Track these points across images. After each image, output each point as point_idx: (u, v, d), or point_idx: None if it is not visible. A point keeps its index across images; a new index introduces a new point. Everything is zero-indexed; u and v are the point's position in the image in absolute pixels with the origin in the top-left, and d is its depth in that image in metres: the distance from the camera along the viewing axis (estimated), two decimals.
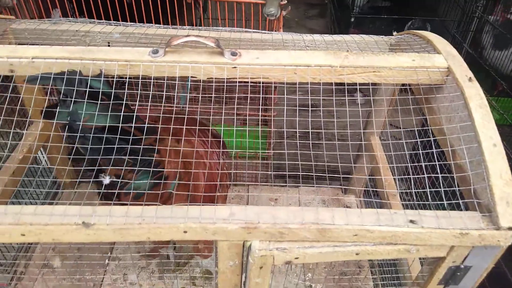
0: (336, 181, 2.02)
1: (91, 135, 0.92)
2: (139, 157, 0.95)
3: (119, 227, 0.78)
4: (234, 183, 1.98)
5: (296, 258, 0.82)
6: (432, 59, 1.00)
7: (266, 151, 2.08)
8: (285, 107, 0.97)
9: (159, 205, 0.80)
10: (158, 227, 0.78)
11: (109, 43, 1.15)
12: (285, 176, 1.23)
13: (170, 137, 1.09)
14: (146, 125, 0.96)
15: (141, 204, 0.80)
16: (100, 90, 0.92)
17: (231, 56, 0.97)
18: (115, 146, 0.91)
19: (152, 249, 1.64)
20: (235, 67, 0.97)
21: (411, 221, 0.81)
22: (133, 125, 0.94)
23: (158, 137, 1.06)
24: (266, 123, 2.21)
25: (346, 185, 1.89)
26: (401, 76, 1.00)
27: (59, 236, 0.78)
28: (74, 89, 0.91)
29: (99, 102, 0.91)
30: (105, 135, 0.92)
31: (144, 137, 0.99)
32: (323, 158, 1.09)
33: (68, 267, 1.57)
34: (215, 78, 0.99)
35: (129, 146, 0.91)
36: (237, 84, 1.00)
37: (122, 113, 0.92)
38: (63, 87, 0.92)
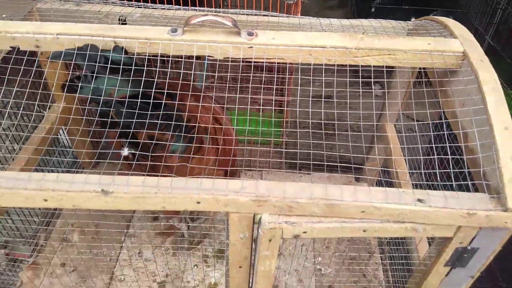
0: (349, 173, 2.03)
1: (126, 101, 0.96)
2: (172, 122, 0.98)
3: (136, 195, 0.81)
4: (248, 168, 2.01)
5: (304, 232, 0.85)
6: (448, 43, 1.00)
7: (280, 138, 2.10)
8: (298, 97, 0.99)
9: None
10: (173, 196, 0.82)
11: (124, 20, 1.19)
12: (297, 165, 1.25)
13: (189, 94, 1.13)
14: (168, 91, 1.00)
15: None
16: (122, 60, 0.95)
17: (248, 36, 0.99)
18: (148, 112, 0.94)
19: (167, 228, 1.69)
20: (251, 46, 0.99)
21: (419, 200, 0.82)
22: (157, 91, 0.97)
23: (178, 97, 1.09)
24: (281, 111, 2.23)
25: (359, 175, 1.91)
26: (416, 60, 1.00)
27: (79, 202, 0.82)
28: (96, 65, 0.94)
29: (120, 73, 0.95)
30: (138, 101, 0.95)
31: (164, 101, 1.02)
32: (337, 148, 1.10)
33: (86, 242, 1.63)
34: (231, 58, 1.01)
35: (161, 111, 0.95)
36: (253, 64, 1.03)
37: (143, 80, 0.96)
38: (85, 63, 0.96)
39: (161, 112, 0.96)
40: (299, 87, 1.03)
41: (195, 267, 1.58)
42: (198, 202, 0.83)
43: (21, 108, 0.99)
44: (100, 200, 0.82)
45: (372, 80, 1.01)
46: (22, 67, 0.98)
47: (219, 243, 1.67)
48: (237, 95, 1.09)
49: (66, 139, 1.87)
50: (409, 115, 1.90)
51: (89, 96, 0.97)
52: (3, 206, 0.85)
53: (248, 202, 0.82)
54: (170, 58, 1.00)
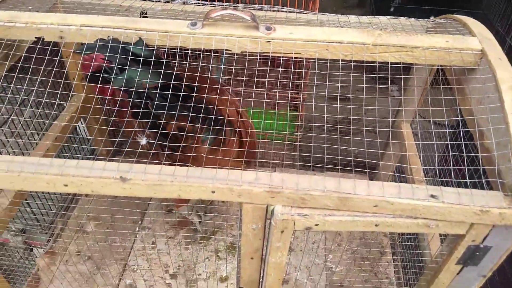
0: (363, 174, 2.03)
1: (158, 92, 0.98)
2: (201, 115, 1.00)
3: (152, 183, 0.83)
4: (260, 161, 2.02)
5: (316, 224, 0.85)
6: (466, 41, 1.00)
7: (294, 135, 2.10)
8: (314, 92, 0.99)
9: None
10: (189, 185, 0.83)
11: (145, 14, 1.21)
12: (310, 161, 1.26)
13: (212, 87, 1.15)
14: (192, 83, 1.02)
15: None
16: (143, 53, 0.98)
17: (266, 31, 1.00)
18: (179, 104, 0.96)
19: (180, 222, 1.71)
20: (269, 41, 1.00)
21: (432, 196, 0.82)
22: (185, 83, 0.99)
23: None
24: (296, 108, 2.24)
25: (373, 176, 1.90)
26: (433, 57, 1.00)
27: (97, 188, 0.85)
28: (127, 57, 0.97)
29: (150, 65, 0.97)
30: (169, 93, 0.97)
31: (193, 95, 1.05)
32: (352, 147, 1.11)
33: (100, 233, 1.66)
34: (249, 52, 1.02)
35: (192, 103, 0.97)
36: (270, 60, 1.04)
37: (163, 71, 0.98)
38: (118, 55, 0.98)
39: (192, 104, 0.98)
40: (315, 83, 1.04)
41: (207, 260, 1.60)
42: (213, 192, 0.84)
43: (44, 97, 1.02)
44: (118, 186, 0.84)
45: (389, 77, 1.01)
46: (46, 57, 1.01)
47: (231, 236, 1.68)
48: (254, 89, 1.11)
49: (84, 129, 1.90)
50: (425, 116, 1.88)
51: (122, 88, 0.99)
52: (25, 190, 0.88)
53: (261, 193, 0.83)
54: (189, 52, 1.01)
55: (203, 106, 1.02)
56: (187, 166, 0.85)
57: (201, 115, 0.98)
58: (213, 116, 1.10)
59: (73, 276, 1.50)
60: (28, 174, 0.84)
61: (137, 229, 1.69)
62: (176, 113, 0.93)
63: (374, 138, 1.08)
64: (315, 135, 1.09)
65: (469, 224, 0.84)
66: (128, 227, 1.68)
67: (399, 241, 1.66)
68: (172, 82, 0.97)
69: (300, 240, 1.69)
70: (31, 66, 1.00)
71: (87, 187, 0.85)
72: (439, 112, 1.02)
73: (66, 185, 0.85)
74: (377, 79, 1.13)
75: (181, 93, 0.97)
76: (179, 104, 0.96)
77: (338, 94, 1.15)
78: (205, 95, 0.99)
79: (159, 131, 1.02)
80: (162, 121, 1.01)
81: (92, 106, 1.57)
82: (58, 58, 1.03)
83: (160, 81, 0.99)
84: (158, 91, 0.98)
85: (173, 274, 1.55)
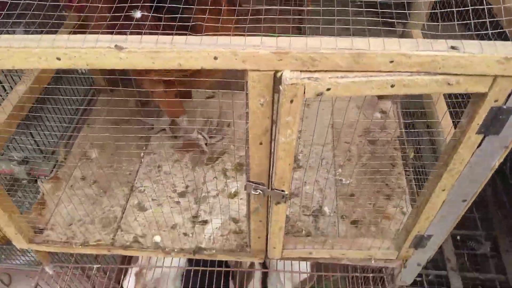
0: None
1: None
2: None
3: (150, 50, 0.78)
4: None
5: (328, 89, 0.80)
6: None
7: None
8: None
9: None
10: (189, 51, 0.78)
11: None
12: None
13: None
14: None
15: None
16: None
17: None
18: None
19: (185, 144, 1.67)
20: None
21: (452, 47, 0.76)
22: None
23: None
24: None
25: None
26: None
27: (92, 59, 0.79)
28: None
29: None
30: None
31: None
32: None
33: (105, 159, 1.63)
34: None
35: None
36: None
37: None
38: None
39: None
40: None
41: (215, 179, 1.57)
42: (215, 58, 0.79)
43: None
44: (114, 56, 0.78)
45: None
46: None
47: (238, 157, 1.65)
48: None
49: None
50: None
51: None
52: (16, 68, 0.83)
53: (268, 55, 0.77)
54: None
55: None
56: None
57: None
58: None
59: (80, 199, 1.48)
60: (17, 49, 0.79)
61: (142, 154, 1.65)
62: None
63: None
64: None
65: (492, 79, 0.78)
66: (132, 154, 1.64)
67: (411, 152, 1.62)
68: None
69: (308, 157, 1.65)
70: None
71: (81, 59, 0.79)
72: None
73: (59, 59, 0.79)
74: None
75: None
76: None
77: None
78: None
79: None
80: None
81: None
82: None
83: None
84: None
85: (181, 193, 1.52)
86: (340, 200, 1.50)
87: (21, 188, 1.70)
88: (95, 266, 1.68)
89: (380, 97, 1.88)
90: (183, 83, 1.35)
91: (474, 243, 2.61)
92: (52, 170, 1.63)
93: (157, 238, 1.35)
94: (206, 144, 1.67)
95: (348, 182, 1.56)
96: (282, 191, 1.03)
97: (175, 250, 1.34)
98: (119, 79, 1.07)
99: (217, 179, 1.57)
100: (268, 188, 1.05)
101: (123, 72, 0.99)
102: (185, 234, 1.39)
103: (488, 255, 2.56)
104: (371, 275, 1.59)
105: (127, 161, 1.61)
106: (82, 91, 1.87)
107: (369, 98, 1.87)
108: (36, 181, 1.70)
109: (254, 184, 1.05)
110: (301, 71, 0.80)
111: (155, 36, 0.80)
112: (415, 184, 1.54)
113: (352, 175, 1.58)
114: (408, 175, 1.57)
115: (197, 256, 1.34)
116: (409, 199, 1.49)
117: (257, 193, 1.05)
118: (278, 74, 0.80)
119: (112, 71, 0.85)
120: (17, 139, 1.58)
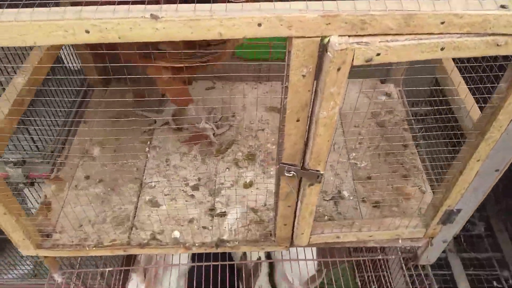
0: None
1: None
2: None
3: (189, 18, 0.72)
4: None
5: (378, 54, 0.77)
6: None
7: None
8: None
9: None
10: (231, 17, 0.73)
11: None
12: None
13: None
14: None
15: None
16: None
17: None
18: None
19: (192, 137, 1.61)
20: None
21: (502, 6, 0.74)
22: None
23: None
24: None
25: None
26: None
27: (125, 31, 0.73)
28: None
29: None
30: None
31: None
32: None
33: (108, 156, 1.54)
34: None
35: None
36: None
37: None
38: None
39: None
40: None
41: (227, 170, 1.51)
42: (259, 25, 0.74)
43: None
44: (150, 26, 0.72)
45: None
46: None
47: (248, 147, 1.59)
48: None
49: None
50: None
51: None
52: (38, 45, 0.75)
53: (315, 20, 0.73)
54: None
55: None
56: None
57: None
58: None
59: (88, 198, 1.39)
60: (41, 22, 0.71)
61: (147, 149, 1.58)
62: None
63: None
64: None
65: None
66: (137, 148, 1.56)
67: (421, 132, 1.61)
68: None
69: None
70: None
71: (113, 31, 0.72)
72: None
73: (87, 31, 0.72)
74: None
75: None
76: None
77: None
78: None
79: None
80: None
81: None
82: None
83: None
84: None
85: (194, 186, 1.45)
86: (357, 183, 1.47)
87: (16, 192, 1.59)
88: (107, 269, 1.59)
89: (383, 81, 1.87)
90: (191, 69, 1.29)
91: (469, 224, 2.66)
92: (52, 170, 1.52)
93: (176, 234, 1.28)
94: (214, 134, 1.60)
95: (363, 165, 1.53)
96: (317, 171, 0.99)
97: (196, 244, 1.28)
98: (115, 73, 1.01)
99: (229, 170, 1.51)
100: (301, 169, 1.01)
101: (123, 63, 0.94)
102: (204, 227, 1.32)
103: (483, 235, 2.61)
104: (392, 257, 1.57)
105: (132, 157, 1.53)
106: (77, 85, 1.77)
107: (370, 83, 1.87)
108: (33, 183, 1.59)
109: (287, 166, 1.00)
110: (349, 35, 0.76)
111: (191, 4, 0.74)
112: (429, 164, 1.53)
113: (366, 158, 1.55)
114: (421, 155, 1.56)
115: (219, 250, 1.28)
116: (425, 177, 1.48)
117: (291, 174, 1.00)
118: (325, 40, 0.76)
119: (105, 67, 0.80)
120: (12, 139, 1.46)
